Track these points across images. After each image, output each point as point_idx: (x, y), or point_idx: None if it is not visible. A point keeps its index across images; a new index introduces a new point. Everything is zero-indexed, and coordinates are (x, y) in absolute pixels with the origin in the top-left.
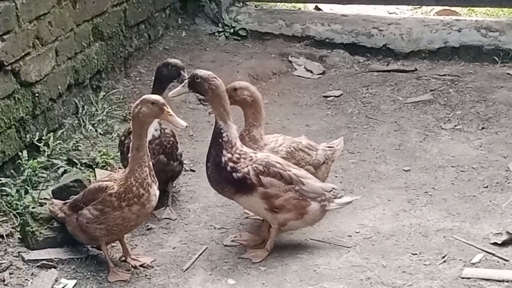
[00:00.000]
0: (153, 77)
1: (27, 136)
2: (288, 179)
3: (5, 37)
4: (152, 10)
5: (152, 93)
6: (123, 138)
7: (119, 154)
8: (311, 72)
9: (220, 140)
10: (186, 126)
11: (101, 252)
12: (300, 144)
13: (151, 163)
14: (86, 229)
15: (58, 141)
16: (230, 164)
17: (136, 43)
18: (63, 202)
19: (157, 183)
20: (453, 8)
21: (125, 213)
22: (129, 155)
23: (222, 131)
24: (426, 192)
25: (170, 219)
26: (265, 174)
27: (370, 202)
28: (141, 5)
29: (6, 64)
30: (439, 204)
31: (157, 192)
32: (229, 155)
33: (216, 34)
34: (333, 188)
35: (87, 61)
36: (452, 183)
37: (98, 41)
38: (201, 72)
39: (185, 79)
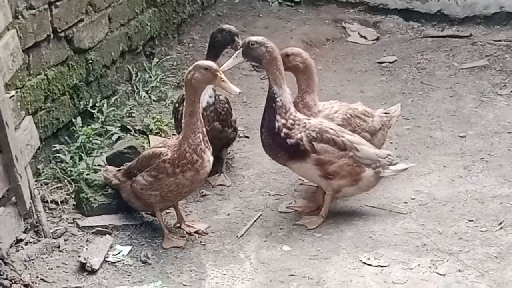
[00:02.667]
0: (206, 44)
1: (81, 103)
2: (342, 145)
3: (58, 3)
4: None
5: (206, 59)
6: (177, 105)
7: (173, 120)
8: (365, 38)
9: (274, 104)
10: (240, 93)
11: (156, 218)
12: (356, 111)
13: (204, 129)
14: (140, 196)
15: (112, 108)
16: (284, 130)
17: (189, 9)
18: (117, 168)
19: (211, 149)
20: None
21: (179, 179)
22: (183, 121)
23: (276, 95)
24: (482, 158)
25: (224, 185)
26: (318, 141)
27: (425, 169)
28: None
29: (59, 30)
30: (495, 170)
31: (211, 158)
32: (283, 121)
33: (269, 0)
34: (388, 155)
35: (140, 27)
36: (509, 149)
37: (151, 8)
38: (254, 37)
39: (239, 46)
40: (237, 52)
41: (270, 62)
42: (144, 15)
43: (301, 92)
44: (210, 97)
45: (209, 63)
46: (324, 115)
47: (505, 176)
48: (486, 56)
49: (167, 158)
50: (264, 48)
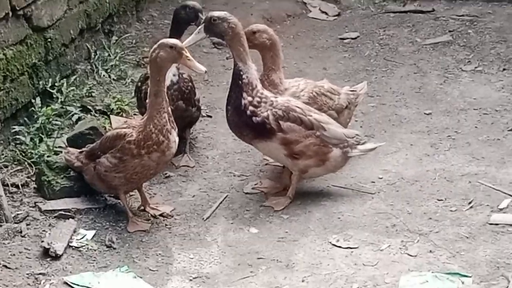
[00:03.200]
0: (165, 21)
1: (40, 82)
2: (309, 125)
3: None
4: None
5: (170, 37)
6: (139, 84)
7: (135, 100)
8: (326, 13)
9: (240, 82)
10: (205, 71)
11: (120, 201)
12: (322, 88)
13: (169, 109)
14: (104, 178)
15: (71, 88)
16: (250, 108)
17: None
18: (79, 150)
19: (176, 129)
20: None
21: (145, 160)
22: (147, 101)
23: (241, 72)
24: (449, 136)
25: (188, 166)
26: (284, 119)
27: (392, 147)
28: None
29: (18, 8)
30: (462, 148)
31: (177, 139)
32: (249, 98)
33: None
34: (356, 135)
35: (99, 4)
36: (475, 127)
37: None
38: (217, 12)
39: (203, 22)
40: (199, 28)
41: (233, 38)
42: None
43: (266, 70)
44: (174, 75)
45: (174, 41)
46: (291, 93)
47: (473, 154)
48: (450, 31)
49: (132, 139)
50: (226, 23)
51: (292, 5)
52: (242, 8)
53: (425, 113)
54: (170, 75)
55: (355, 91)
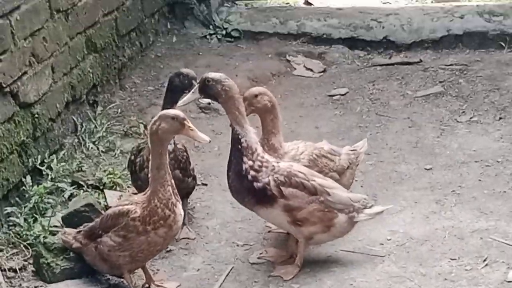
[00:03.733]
0: (148, 87)
1: (29, 160)
2: (312, 190)
3: (1, 57)
4: (142, 17)
5: (164, 105)
6: (132, 157)
7: (129, 173)
8: (312, 70)
9: (240, 146)
10: (209, 141)
11: (123, 280)
12: (322, 150)
13: (173, 181)
14: (107, 258)
15: (61, 163)
16: (252, 172)
17: (128, 52)
18: (76, 230)
19: (181, 202)
20: None
21: (151, 237)
22: (150, 175)
23: (240, 136)
24: (453, 191)
25: (189, 238)
26: (286, 185)
27: (396, 206)
28: (131, 12)
29: (4, 86)
30: (469, 203)
31: (182, 212)
32: (250, 163)
33: (207, 37)
34: (363, 199)
35: (83, 75)
36: (479, 180)
37: (92, 54)
38: (212, 74)
39: (198, 83)
40: (194, 88)
41: (227, 101)
42: (85, 62)
43: (266, 133)
44: (169, 144)
45: (176, 112)
46: (290, 156)
47: (480, 208)
48: (440, 82)
49: (136, 215)
50: (220, 85)
51: (276, 64)
52: (226, 70)
53: (425, 169)
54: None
55: (356, 150)
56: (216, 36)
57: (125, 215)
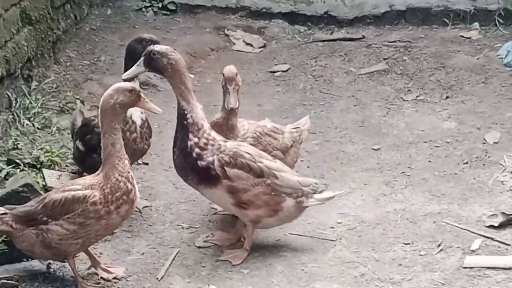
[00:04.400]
0: (84, 61)
1: None
2: (258, 172)
3: None
4: None
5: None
6: (86, 136)
7: (74, 152)
8: (251, 45)
9: (185, 122)
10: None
11: (65, 264)
12: (265, 128)
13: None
14: (56, 246)
15: None
16: (196, 149)
17: (63, 25)
18: (2, 211)
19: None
20: None
21: (113, 218)
22: (103, 152)
23: (185, 112)
24: (403, 172)
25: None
26: (231, 165)
27: (345, 188)
28: None
29: None
30: (419, 185)
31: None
32: (196, 139)
33: (143, 9)
34: (314, 183)
35: (17, 49)
36: (429, 161)
37: (26, 26)
38: (158, 47)
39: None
40: (139, 61)
41: (172, 75)
42: (20, 35)
43: (226, 113)
44: (142, 113)
45: (132, 84)
46: (241, 135)
47: (432, 191)
48: (384, 59)
49: (96, 199)
50: (166, 59)
51: (214, 38)
52: (163, 44)
53: (373, 149)
54: (138, 114)
55: (298, 127)
56: (152, 9)
57: (81, 201)
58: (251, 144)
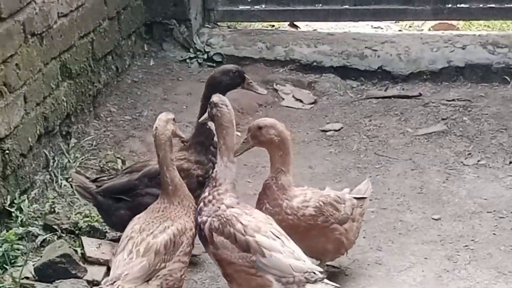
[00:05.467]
0: (125, 116)
1: None
2: (244, 246)
3: None
4: (119, 38)
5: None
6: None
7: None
8: (301, 101)
9: (211, 175)
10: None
11: None
12: (329, 198)
13: None
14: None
15: (33, 204)
16: (201, 204)
17: (104, 77)
18: None
19: None
20: (450, 22)
21: None
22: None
23: (215, 166)
24: (466, 246)
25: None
26: (218, 232)
27: (405, 262)
28: (108, 33)
29: None
30: (484, 260)
31: None
32: (206, 194)
33: (187, 60)
34: (310, 271)
35: (56, 104)
36: (494, 233)
37: (66, 80)
38: (217, 97)
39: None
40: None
41: (217, 127)
42: (60, 90)
43: (274, 171)
44: None
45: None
46: (299, 201)
47: (498, 267)
48: (443, 119)
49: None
50: (215, 109)
51: None
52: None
53: (433, 218)
54: None
55: (361, 197)
56: (197, 60)
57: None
58: (312, 215)
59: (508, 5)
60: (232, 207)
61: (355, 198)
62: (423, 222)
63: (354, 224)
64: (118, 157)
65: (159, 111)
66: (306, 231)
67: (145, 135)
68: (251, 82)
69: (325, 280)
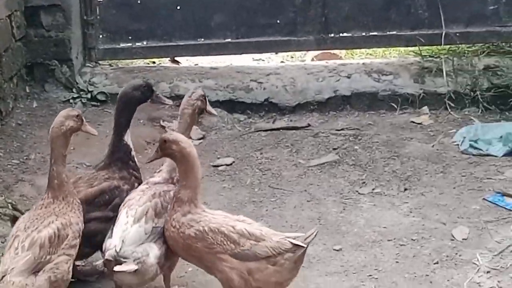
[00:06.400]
0: (13, 161)
1: None
2: None
3: None
4: (1, 81)
5: (124, 123)
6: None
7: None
8: (190, 137)
9: None
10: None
11: None
12: (227, 228)
13: None
14: None
15: None
16: None
17: None
18: None
19: None
20: (332, 51)
21: None
22: (56, 180)
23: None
24: (370, 275)
25: None
26: None
27: None
28: None
29: None
30: None
31: None
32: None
33: (71, 101)
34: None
35: None
36: (397, 261)
37: None
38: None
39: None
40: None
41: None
42: None
43: (179, 184)
44: None
45: (76, 110)
46: (189, 219)
47: None
48: (334, 149)
49: None
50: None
51: (149, 130)
52: (97, 139)
53: (334, 249)
54: None
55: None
56: (81, 100)
57: None
58: (191, 236)
59: (390, 32)
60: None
61: (291, 243)
62: (325, 253)
63: (272, 268)
64: (9, 202)
65: (47, 154)
66: (186, 248)
67: (34, 178)
68: (158, 94)
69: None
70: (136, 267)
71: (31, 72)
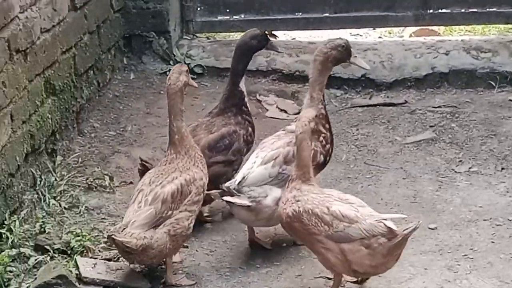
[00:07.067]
0: (109, 132)
1: None
2: None
3: None
4: (99, 52)
5: (240, 70)
6: None
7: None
8: (286, 112)
9: None
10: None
11: None
12: (319, 209)
13: None
14: None
15: (22, 224)
16: None
17: (86, 92)
18: None
19: None
20: (431, 28)
21: None
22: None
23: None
24: (465, 255)
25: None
26: None
27: (404, 273)
28: (89, 48)
29: None
30: (485, 270)
31: None
32: None
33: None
34: None
35: (42, 122)
36: (492, 241)
37: (50, 97)
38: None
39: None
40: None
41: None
42: (44, 107)
43: None
44: None
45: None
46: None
47: (499, 276)
48: (431, 126)
49: None
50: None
51: None
52: (192, 111)
53: (430, 228)
54: None
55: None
56: None
57: None
58: (289, 215)
59: (490, 9)
60: None
61: (387, 226)
62: (420, 232)
63: (365, 250)
64: (105, 174)
65: (143, 126)
66: (289, 227)
67: (130, 150)
68: (272, 43)
69: None
70: (248, 203)
71: (129, 43)
